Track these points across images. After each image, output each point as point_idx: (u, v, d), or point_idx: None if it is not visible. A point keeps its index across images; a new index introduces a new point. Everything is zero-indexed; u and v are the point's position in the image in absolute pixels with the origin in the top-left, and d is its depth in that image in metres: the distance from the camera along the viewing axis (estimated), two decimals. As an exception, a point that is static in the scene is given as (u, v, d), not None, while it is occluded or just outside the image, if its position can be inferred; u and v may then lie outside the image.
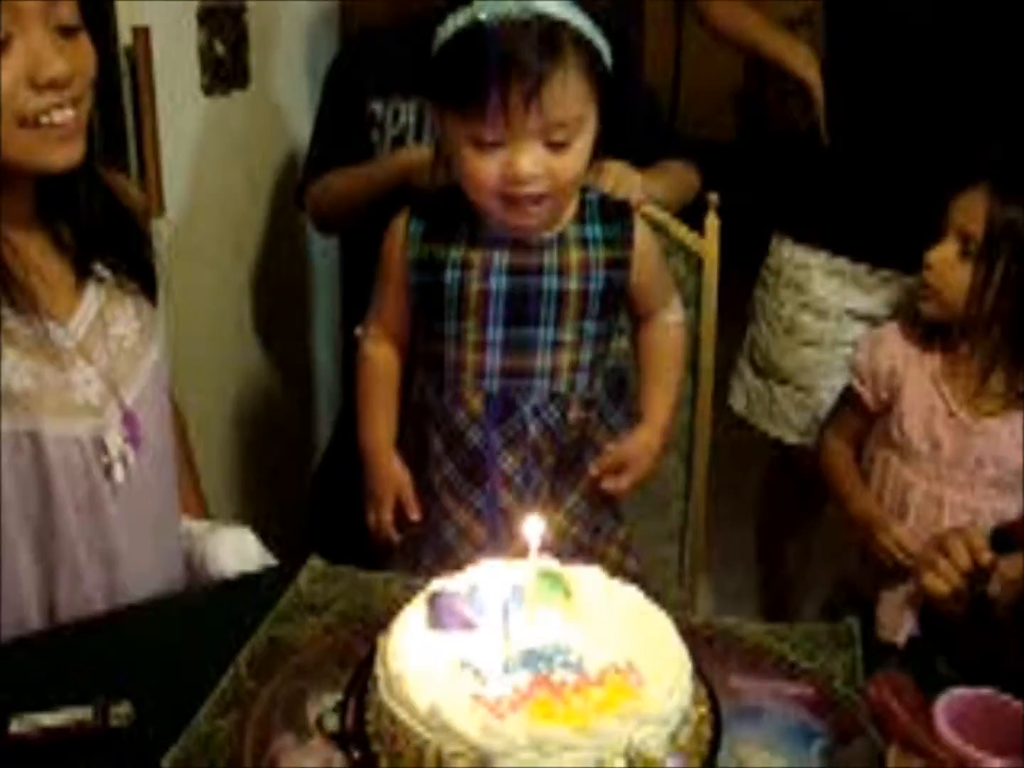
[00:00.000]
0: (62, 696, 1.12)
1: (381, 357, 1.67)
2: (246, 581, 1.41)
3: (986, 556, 1.28)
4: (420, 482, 1.66)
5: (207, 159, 2.26)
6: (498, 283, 1.53)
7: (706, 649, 1.15)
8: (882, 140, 2.09)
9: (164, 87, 2.03)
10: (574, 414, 1.60)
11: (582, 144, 1.45)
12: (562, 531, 1.64)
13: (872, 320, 2.20)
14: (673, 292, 1.72)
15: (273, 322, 2.57)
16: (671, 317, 1.71)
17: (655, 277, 1.65)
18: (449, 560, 1.54)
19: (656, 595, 1.16)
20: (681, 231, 1.87)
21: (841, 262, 2.20)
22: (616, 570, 1.66)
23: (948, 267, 1.80)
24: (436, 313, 1.57)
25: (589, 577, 1.18)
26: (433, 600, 1.12)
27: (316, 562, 1.39)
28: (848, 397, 2.02)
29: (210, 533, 1.50)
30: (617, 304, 1.61)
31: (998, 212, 1.74)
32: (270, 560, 1.47)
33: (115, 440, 1.32)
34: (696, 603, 2.03)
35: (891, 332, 1.95)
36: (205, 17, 2.23)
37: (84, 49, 1.25)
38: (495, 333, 1.55)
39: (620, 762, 0.97)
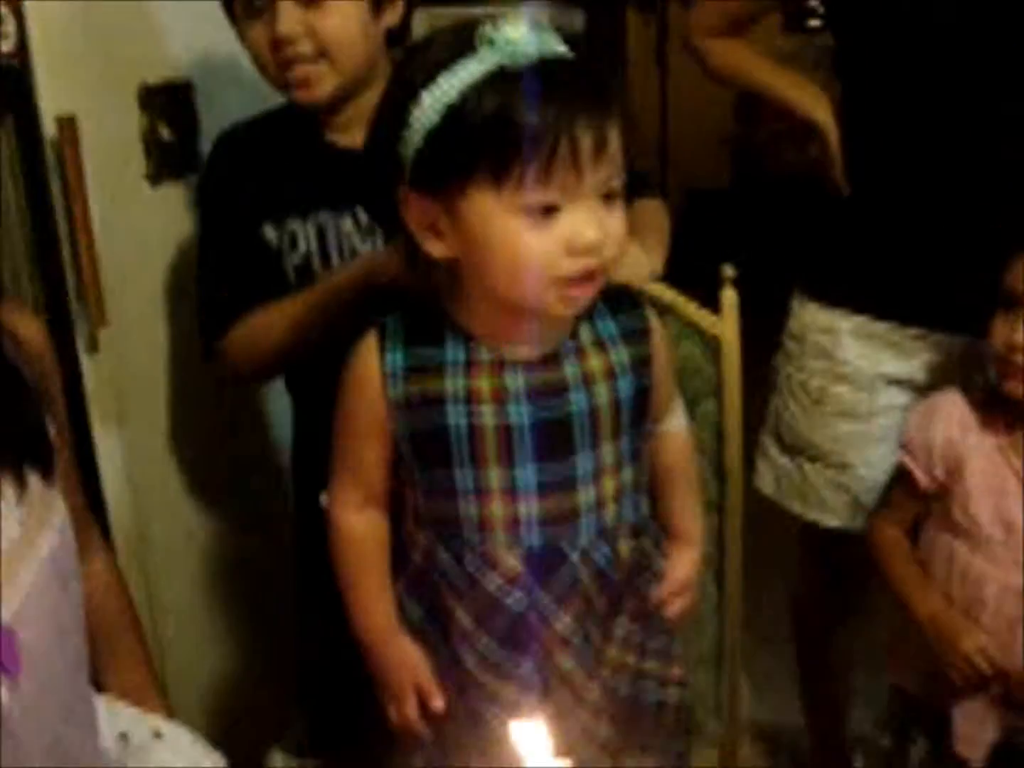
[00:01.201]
0: None
1: (364, 528, 1.37)
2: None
3: None
4: (439, 662, 1.38)
5: (154, 257, 2.01)
6: (519, 413, 1.26)
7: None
8: (911, 185, 1.86)
9: (101, 179, 1.80)
10: (625, 546, 1.35)
11: (623, 196, 1.22)
12: (615, 662, 1.39)
13: (910, 385, 1.97)
14: (677, 392, 1.51)
15: (236, 438, 2.27)
16: (677, 422, 1.49)
17: (667, 374, 1.42)
18: (496, 749, 1.28)
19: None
20: (692, 310, 1.62)
21: (872, 324, 1.96)
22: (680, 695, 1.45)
23: None
24: (440, 463, 1.29)
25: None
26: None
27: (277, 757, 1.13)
28: (899, 477, 1.77)
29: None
30: (648, 409, 1.36)
31: None
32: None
33: None
34: (736, 734, 1.76)
35: (945, 400, 1.73)
36: (146, 98, 2.00)
37: None
38: (526, 475, 1.27)
39: None
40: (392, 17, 1.61)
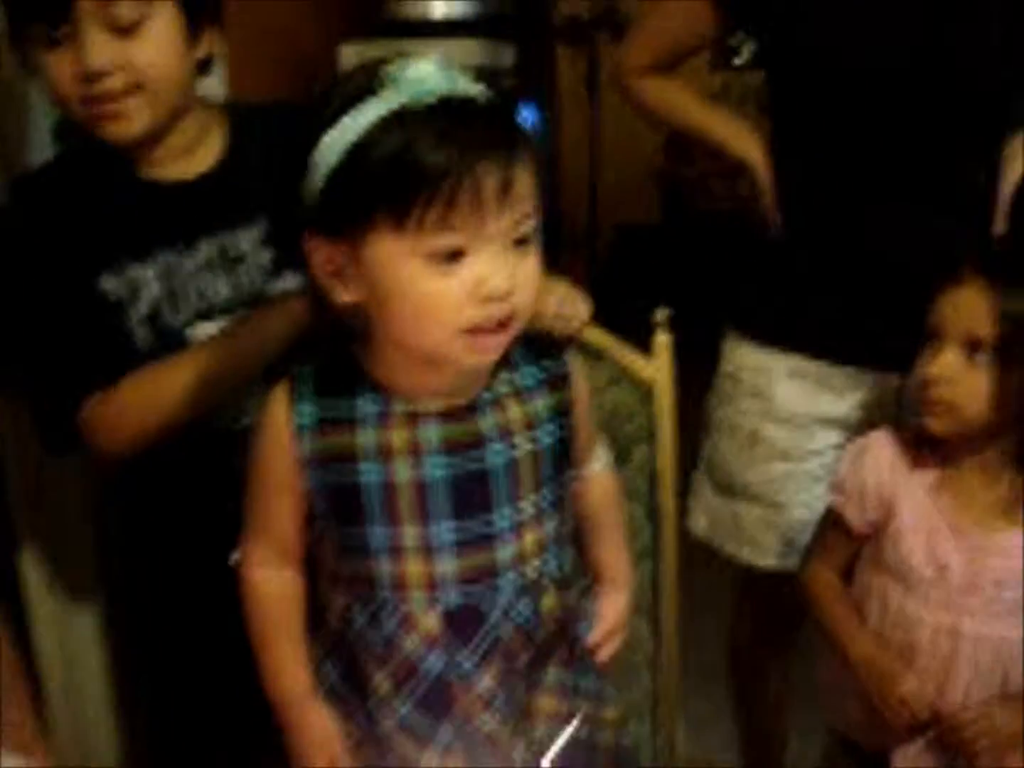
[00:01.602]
0: None
1: (277, 588, 1.31)
2: None
3: None
4: (356, 727, 1.31)
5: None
6: (434, 468, 1.21)
7: None
8: (842, 223, 1.86)
9: None
10: (549, 601, 1.29)
11: (537, 242, 1.17)
12: (546, 711, 1.34)
13: (844, 425, 1.96)
14: (598, 434, 1.46)
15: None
16: (600, 464, 1.44)
17: (587, 417, 1.37)
18: None
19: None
20: (626, 355, 1.59)
21: (807, 363, 1.94)
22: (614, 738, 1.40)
23: (957, 378, 1.55)
24: (353, 521, 1.23)
25: None
26: None
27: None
28: (830, 518, 1.75)
29: None
30: (568, 455, 1.31)
31: (1007, 308, 1.50)
32: None
33: None
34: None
35: (876, 441, 1.70)
36: None
37: None
38: (441, 533, 1.22)
39: None
40: (207, 47, 1.49)
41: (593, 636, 1.41)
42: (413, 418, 1.21)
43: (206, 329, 1.49)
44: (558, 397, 1.28)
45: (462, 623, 1.24)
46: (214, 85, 1.73)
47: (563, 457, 1.30)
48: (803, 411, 1.96)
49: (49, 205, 1.50)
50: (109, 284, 1.46)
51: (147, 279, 1.47)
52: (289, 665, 1.31)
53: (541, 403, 1.27)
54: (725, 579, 2.21)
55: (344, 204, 1.12)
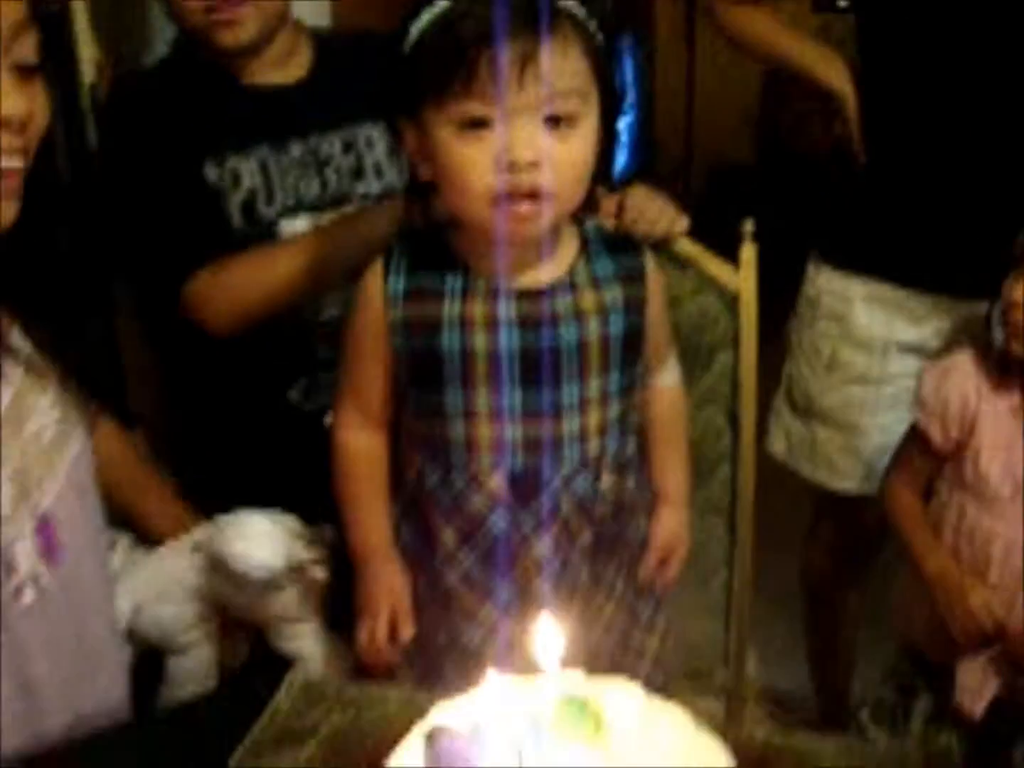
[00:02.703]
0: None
1: (365, 447, 1.41)
2: (211, 702, 1.20)
3: None
4: (422, 585, 1.43)
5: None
6: (509, 340, 1.30)
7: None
8: (927, 154, 1.89)
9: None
10: (607, 481, 1.39)
11: (587, 129, 1.23)
12: (608, 622, 1.44)
13: (921, 351, 2.00)
14: (672, 347, 1.53)
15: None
16: (670, 379, 1.52)
17: (662, 323, 1.45)
18: (476, 670, 1.31)
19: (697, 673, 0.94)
20: (713, 265, 1.66)
21: (885, 289, 1.99)
22: (655, 665, 1.47)
23: None
24: (432, 385, 1.33)
25: (624, 700, 0.96)
26: (432, 739, 0.91)
27: (297, 677, 1.18)
28: (913, 437, 1.80)
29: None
30: (639, 350, 1.40)
31: None
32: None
33: (26, 553, 1.12)
34: (742, 683, 1.80)
35: (961, 362, 1.74)
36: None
37: (41, 93, 1.08)
38: (512, 399, 1.31)
39: None
40: None
41: (648, 560, 1.49)
42: (493, 294, 1.30)
43: (296, 223, 1.65)
44: (632, 291, 1.36)
45: (524, 486, 1.34)
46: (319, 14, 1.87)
47: (633, 350, 1.38)
48: (880, 336, 2.01)
49: (159, 98, 1.66)
50: (211, 172, 1.62)
51: (245, 170, 1.63)
52: (373, 519, 1.41)
53: (614, 294, 1.34)
54: (801, 512, 2.28)
55: (408, 84, 1.23)
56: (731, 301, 1.67)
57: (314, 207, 1.67)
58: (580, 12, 1.22)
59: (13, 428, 1.13)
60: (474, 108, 1.18)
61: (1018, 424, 1.66)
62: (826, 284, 2.05)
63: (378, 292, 1.32)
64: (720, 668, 1.75)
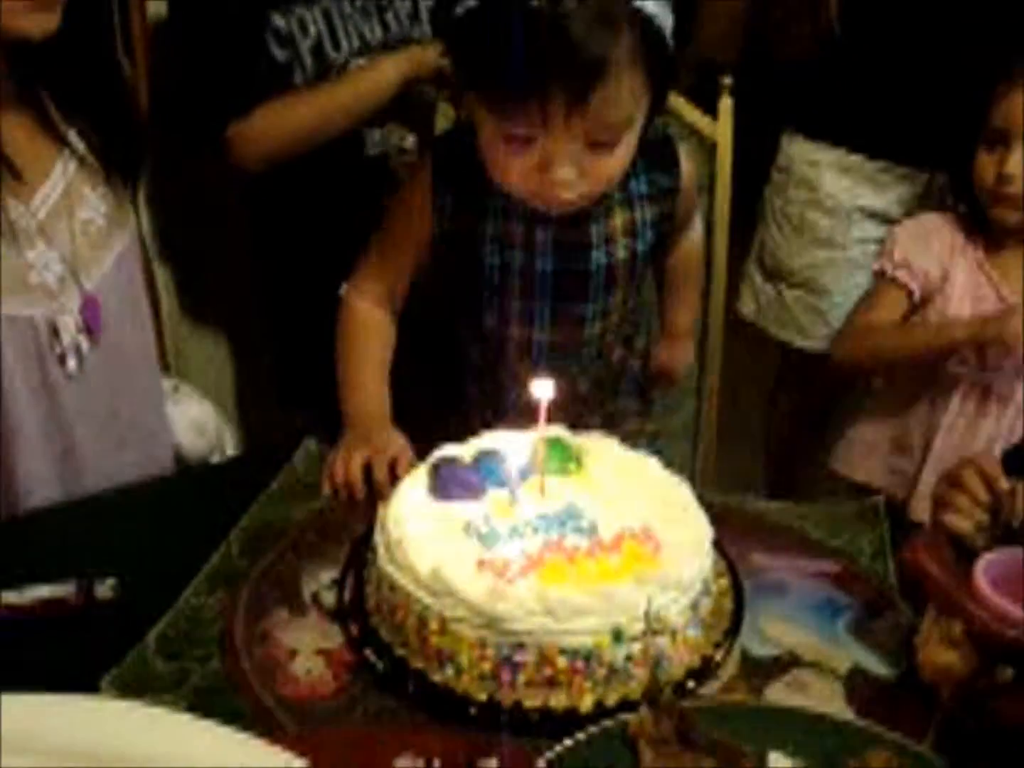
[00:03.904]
0: (43, 575, 1.06)
1: (374, 320, 1.42)
2: (238, 464, 1.34)
3: (1003, 483, 1.11)
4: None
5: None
6: (543, 263, 1.35)
7: (725, 527, 1.08)
8: (897, 32, 1.99)
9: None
10: (617, 355, 1.51)
11: (628, 143, 1.22)
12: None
13: (883, 218, 2.12)
14: (698, 207, 1.59)
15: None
16: (695, 233, 1.58)
17: (691, 200, 1.49)
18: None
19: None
20: (694, 115, 1.77)
21: (853, 158, 2.11)
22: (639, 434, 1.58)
23: None
24: (470, 287, 1.38)
25: (601, 446, 1.11)
26: (436, 468, 1.05)
27: (311, 443, 1.32)
28: (875, 293, 1.92)
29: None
30: (661, 252, 1.48)
31: None
32: (227, 434, 1.42)
33: (69, 327, 1.25)
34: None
35: (929, 221, 1.87)
36: None
37: None
38: (542, 310, 1.38)
39: (637, 627, 0.91)
40: None
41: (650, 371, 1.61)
42: (533, 217, 1.31)
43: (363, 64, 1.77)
44: (664, 207, 1.39)
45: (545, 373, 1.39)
46: None
47: (656, 257, 1.46)
48: (846, 202, 2.13)
49: None
50: (279, 21, 1.72)
51: (309, 18, 1.74)
52: (372, 385, 1.39)
53: (645, 214, 1.37)
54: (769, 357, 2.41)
55: (458, 58, 1.27)
56: (709, 149, 1.79)
57: (378, 48, 1.78)
58: (656, 10, 1.17)
59: (65, 214, 1.26)
60: (521, 131, 1.17)
61: (984, 276, 1.79)
62: (798, 153, 2.17)
63: (427, 203, 1.34)
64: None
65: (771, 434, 2.50)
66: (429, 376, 1.55)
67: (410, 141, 1.81)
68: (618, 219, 1.36)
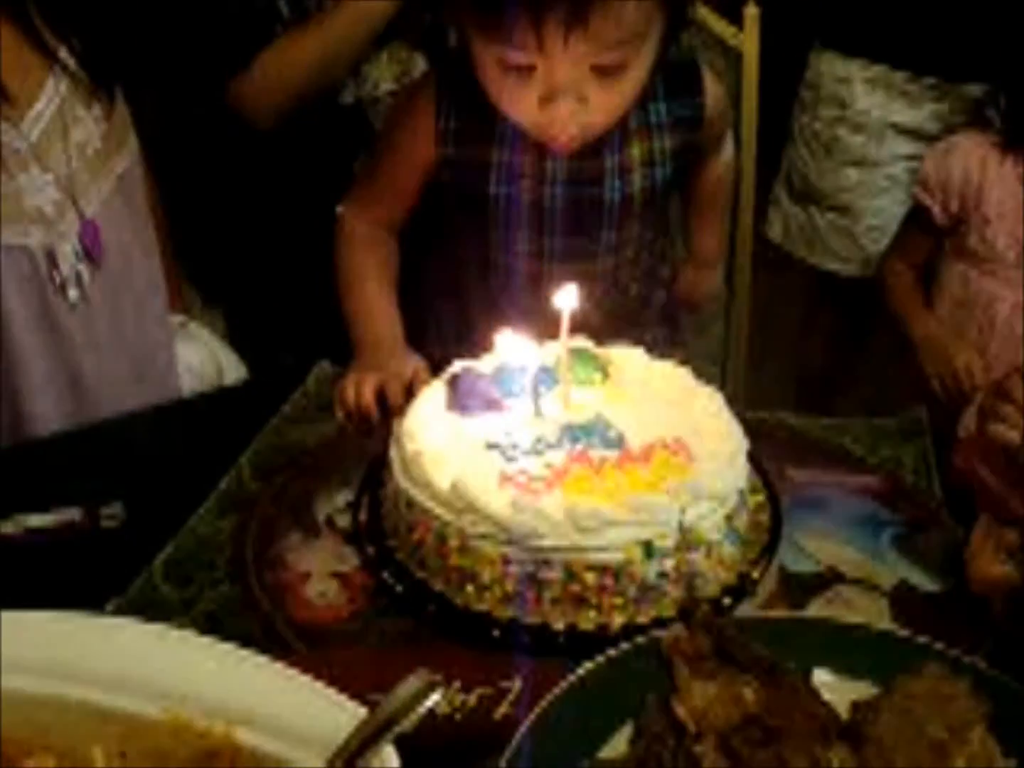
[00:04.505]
0: (49, 501, 1.02)
1: (372, 239, 1.34)
2: (250, 387, 1.29)
3: None
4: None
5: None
6: (554, 194, 1.28)
7: (759, 442, 1.02)
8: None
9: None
10: (634, 289, 1.42)
11: (640, 67, 1.14)
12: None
13: (917, 135, 2.05)
14: (729, 127, 1.50)
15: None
16: (725, 154, 1.47)
17: (722, 121, 1.40)
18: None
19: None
20: (719, 26, 1.70)
21: (884, 71, 2.03)
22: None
23: None
24: (476, 219, 1.31)
25: (629, 356, 1.05)
26: (454, 381, 1.00)
27: (325, 365, 1.27)
28: (913, 216, 1.87)
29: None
30: (680, 184, 1.40)
31: None
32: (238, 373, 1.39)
33: (68, 255, 1.20)
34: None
35: (963, 139, 1.81)
36: None
37: None
38: (552, 243, 1.31)
39: (669, 541, 0.86)
40: None
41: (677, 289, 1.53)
42: (541, 149, 1.24)
43: None
44: (685, 136, 1.31)
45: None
46: None
47: (674, 188, 1.38)
48: (878, 118, 2.06)
49: None
50: None
51: None
52: (379, 305, 1.31)
53: (664, 144, 1.30)
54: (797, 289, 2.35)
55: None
56: (734, 60, 1.71)
57: None
58: None
59: (59, 136, 1.20)
60: (519, 57, 1.11)
61: (1020, 192, 1.72)
62: (827, 68, 2.09)
63: (429, 127, 1.27)
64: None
65: (804, 360, 2.43)
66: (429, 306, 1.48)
67: (383, 89, 1.67)
68: (635, 149, 1.29)
